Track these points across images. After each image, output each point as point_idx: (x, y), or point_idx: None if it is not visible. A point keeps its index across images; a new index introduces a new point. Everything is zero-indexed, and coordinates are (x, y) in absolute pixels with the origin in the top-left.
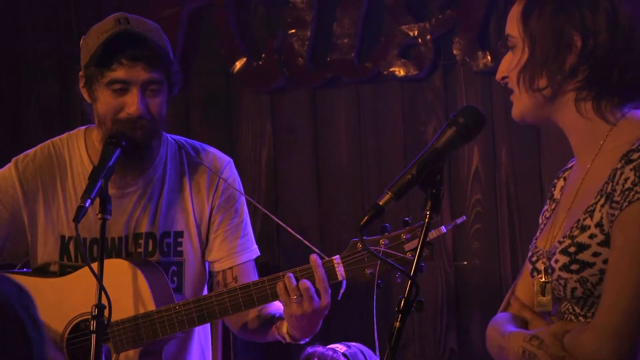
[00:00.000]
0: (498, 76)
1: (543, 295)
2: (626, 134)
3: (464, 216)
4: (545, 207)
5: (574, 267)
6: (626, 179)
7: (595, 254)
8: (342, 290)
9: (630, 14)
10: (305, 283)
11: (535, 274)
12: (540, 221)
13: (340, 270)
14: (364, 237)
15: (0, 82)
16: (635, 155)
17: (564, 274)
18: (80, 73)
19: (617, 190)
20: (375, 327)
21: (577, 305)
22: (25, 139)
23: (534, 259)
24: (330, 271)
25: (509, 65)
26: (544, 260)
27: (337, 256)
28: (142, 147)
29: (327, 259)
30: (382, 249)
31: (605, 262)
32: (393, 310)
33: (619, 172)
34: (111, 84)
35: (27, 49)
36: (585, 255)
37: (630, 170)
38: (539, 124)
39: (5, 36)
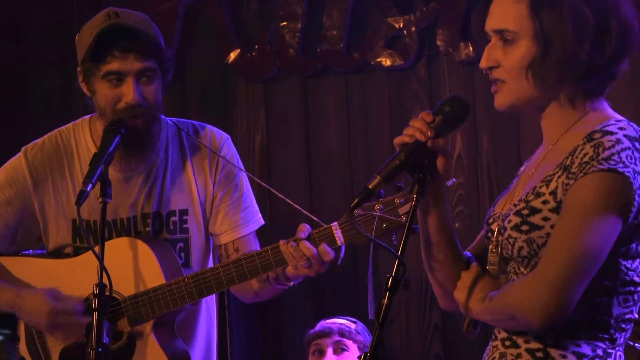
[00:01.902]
0: (484, 65)
1: (492, 253)
2: (593, 121)
3: (454, 178)
4: (513, 182)
5: (524, 227)
6: (585, 154)
7: (545, 219)
8: (341, 255)
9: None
10: (311, 249)
11: (489, 234)
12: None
13: (338, 235)
14: (358, 211)
15: (6, 74)
16: (597, 135)
17: (514, 233)
18: (78, 69)
19: (575, 163)
20: (370, 292)
21: (522, 264)
22: (31, 127)
23: (490, 221)
24: (329, 237)
25: (503, 58)
26: (499, 222)
27: (335, 223)
28: (142, 134)
29: (325, 225)
30: (377, 213)
31: (552, 226)
32: (381, 287)
33: (579, 148)
34: (107, 76)
35: (32, 41)
36: (535, 219)
37: (590, 147)
38: (521, 112)
39: (10, 30)
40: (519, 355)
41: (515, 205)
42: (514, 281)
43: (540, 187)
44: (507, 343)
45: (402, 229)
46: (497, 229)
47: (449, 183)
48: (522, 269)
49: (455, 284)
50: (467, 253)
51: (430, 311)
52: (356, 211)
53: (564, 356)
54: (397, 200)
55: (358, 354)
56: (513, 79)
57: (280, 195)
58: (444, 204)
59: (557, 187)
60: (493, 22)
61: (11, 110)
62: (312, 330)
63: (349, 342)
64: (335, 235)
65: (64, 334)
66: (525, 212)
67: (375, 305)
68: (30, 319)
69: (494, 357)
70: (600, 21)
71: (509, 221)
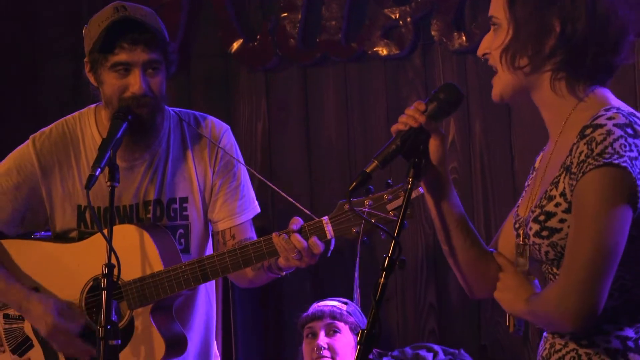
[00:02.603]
0: (479, 52)
1: (520, 256)
2: (588, 110)
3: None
4: (529, 176)
5: (545, 233)
6: (581, 152)
7: (562, 220)
8: (331, 248)
9: (608, 2)
10: (302, 242)
11: (516, 238)
12: (524, 190)
13: (329, 229)
14: (351, 199)
15: (18, 64)
16: (588, 131)
17: (537, 240)
18: (85, 59)
19: (574, 163)
20: (356, 279)
21: (554, 266)
22: (42, 115)
23: (517, 225)
24: (319, 230)
25: (491, 44)
26: (524, 227)
27: (326, 217)
28: (147, 123)
29: (317, 219)
30: (366, 209)
31: (570, 226)
32: (377, 266)
33: (575, 147)
34: (115, 66)
35: (43, 32)
36: (553, 222)
37: (584, 144)
38: (516, 102)
39: (22, 21)
40: (566, 344)
41: (532, 212)
42: (545, 288)
43: (551, 190)
44: (556, 334)
45: (390, 224)
46: (522, 233)
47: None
48: (554, 270)
49: (475, 273)
50: (491, 249)
51: (426, 290)
52: (346, 205)
53: (608, 341)
54: (385, 197)
55: (350, 334)
56: (497, 64)
57: (276, 189)
58: (449, 190)
59: (564, 188)
60: (490, 9)
61: (23, 99)
62: (305, 314)
63: (340, 324)
64: (326, 229)
65: (60, 348)
66: (542, 217)
67: (359, 292)
68: (34, 324)
69: (545, 348)
70: (567, 9)
71: (530, 228)
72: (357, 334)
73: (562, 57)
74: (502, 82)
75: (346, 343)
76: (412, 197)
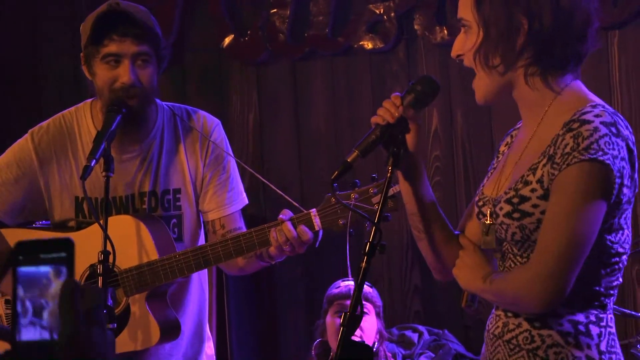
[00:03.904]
0: (453, 54)
1: (487, 235)
2: (568, 103)
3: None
4: (493, 161)
5: (516, 215)
6: (566, 145)
7: (535, 206)
8: (319, 239)
9: None
10: (292, 231)
11: (480, 216)
12: (489, 168)
13: (317, 222)
14: (337, 192)
15: (20, 59)
16: (575, 125)
17: (507, 220)
18: (81, 54)
19: (557, 153)
20: (349, 269)
21: (516, 246)
22: (44, 108)
23: (481, 203)
24: (308, 222)
25: (463, 45)
26: (490, 206)
27: (314, 209)
28: (138, 114)
29: (305, 211)
30: (352, 202)
31: (542, 212)
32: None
33: (560, 138)
34: (105, 58)
35: (44, 27)
36: (526, 206)
37: (570, 137)
38: (501, 102)
39: (23, 16)
40: (519, 324)
41: (506, 193)
42: (515, 270)
43: (528, 175)
44: (509, 313)
45: (374, 215)
46: (489, 212)
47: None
48: (515, 250)
49: (443, 254)
50: (456, 232)
51: (411, 273)
52: (332, 199)
53: (561, 324)
54: (371, 190)
55: (375, 318)
56: (472, 65)
57: (267, 182)
58: (422, 177)
59: (542, 175)
60: (458, 11)
61: (25, 94)
62: (336, 290)
63: (369, 306)
64: (314, 221)
65: None
66: (516, 200)
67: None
68: None
69: (498, 326)
70: (533, 6)
71: (501, 208)
72: (381, 319)
73: (533, 53)
74: (483, 85)
75: (371, 325)
76: (389, 194)
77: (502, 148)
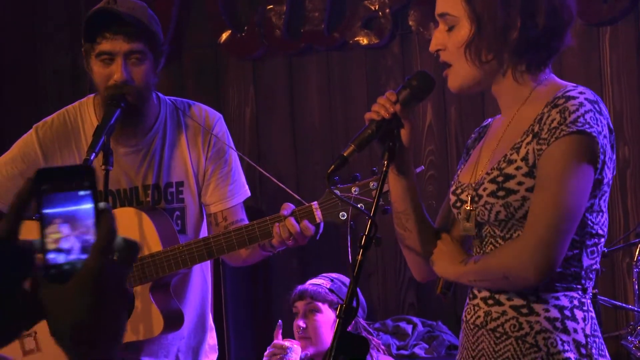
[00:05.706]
0: (432, 48)
1: (467, 221)
2: (548, 90)
3: (422, 166)
4: (462, 160)
5: (501, 193)
6: (553, 120)
7: (520, 183)
8: (320, 231)
9: None
10: (295, 226)
11: (459, 204)
12: (459, 165)
13: (318, 214)
14: (339, 185)
15: (19, 54)
16: (560, 101)
17: (491, 199)
18: (82, 49)
19: (544, 129)
20: (350, 261)
21: (498, 227)
22: (43, 104)
23: (459, 191)
24: (309, 215)
25: (445, 40)
26: (470, 191)
27: (315, 202)
28: (135, 109)
29: (307, 204)
30: (353, 195)
31: (527, 190)
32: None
33: (545, 115)
34: (99, 55)
35: (43, 23)
36: (511, 184)
37: (557, 112)
38: (474, 92)
39: (22, 13)
40: (504, 312)
41: (488, 174)
42: (500, 246)
43: (511, 154)
44: (490, 302)
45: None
46: (469, 198)
47: (418, 170)
48: (497, 232)
49: (424, 253)
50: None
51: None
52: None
53: (547, 310)
54: (371, 184)
55: (332, 312)
56: (457, 60)
57: (267, 174)
58: (410, 174)
59: (527, 152)
60: (438, 7)
61: (24, 90)
62: (292, 293)
63: (319, 304)
64: (316, 214)
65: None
66: (500, 179)
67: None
68: None
69: (479, 316)
70: (527, 4)
71: (485, 189)
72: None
73: (522, 49)
74: (464, 75)
75: (326, 321)
76: (383, 192)
77: (470, 143)
